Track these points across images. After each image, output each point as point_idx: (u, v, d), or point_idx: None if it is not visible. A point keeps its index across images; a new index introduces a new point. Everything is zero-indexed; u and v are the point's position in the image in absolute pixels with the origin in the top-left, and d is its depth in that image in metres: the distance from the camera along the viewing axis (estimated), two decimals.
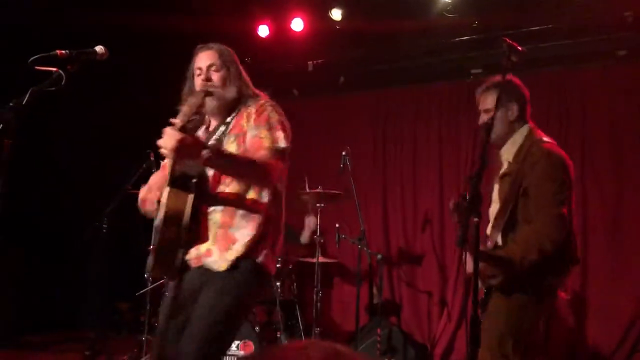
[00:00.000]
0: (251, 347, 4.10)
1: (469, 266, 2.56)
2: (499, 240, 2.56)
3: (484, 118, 2.67)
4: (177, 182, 2.08)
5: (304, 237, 5.12)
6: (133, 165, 4.69)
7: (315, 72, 5.96)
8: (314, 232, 4.69)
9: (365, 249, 4.55)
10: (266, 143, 2.16)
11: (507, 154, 2.63)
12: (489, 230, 2.63)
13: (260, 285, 2.28)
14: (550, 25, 4.92)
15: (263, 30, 5.67)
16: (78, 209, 5.68)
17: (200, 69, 2.31)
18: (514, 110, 2.62)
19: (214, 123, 2.35)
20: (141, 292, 4.60)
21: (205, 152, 1.96)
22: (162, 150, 1.95)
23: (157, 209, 2.15)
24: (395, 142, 5.84)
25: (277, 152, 2.18)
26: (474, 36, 5.21)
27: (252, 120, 2.22)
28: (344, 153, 4.60)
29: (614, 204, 4.79)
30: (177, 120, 1.96)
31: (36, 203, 5.59)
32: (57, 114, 5.13)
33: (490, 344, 2.42)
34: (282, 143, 2.20)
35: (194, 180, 2.11)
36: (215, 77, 2.28)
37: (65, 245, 5.85)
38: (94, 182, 5.80)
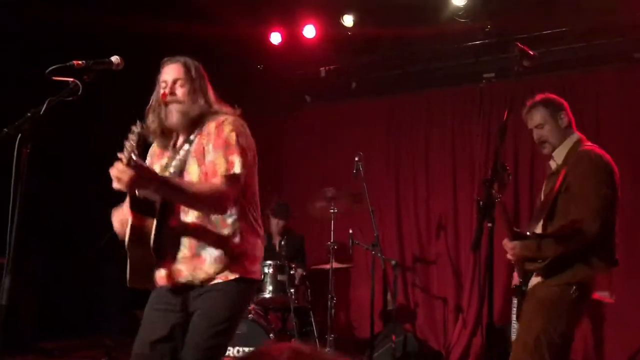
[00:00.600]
0: None
1: (516, 279, 2.70)
2: (539, 231, 2.64)
3: (537, 134, 2.79)
4: (141, 206, 2.12)
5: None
6: None
7: (327, 78, 5.99)
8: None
9: (379, 254, 4.54)
10: (221, 170, 2.13)
11: (558, 157, 2.75)
12: (530, 222, 2.77)
13: (248, 294, 2.30)
14: (564, 29, 4.89)
15: (275, 38, 5.70)
16: (95, 215, 5.73)
17: (165, 82, 2.26)
18: (563, 118, 2.75)
19: (181, 137, 2.31)
20: None
21: (152, 185, 2.00)
22: (115, 185, 1.99)
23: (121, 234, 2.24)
24: (408, 147, 5.83)
25: (232, 179, 2.14)
26: (486, 40, 5.20)
27: (211, 141, 2.17)
28: (356, 159, 4.60)
29: (631, 209, 4.72)
30: (123, 156, 1.96)
31: (54, 209, 5.66)
32: (74, 120, 5.19)
33: (526, 343, 2.48)
34: (237, 169, 2.14)
35: (157, 204, 2.14)
36: (180, 92, 2.24)
37: (83, 252, 5.91)
38: (111, 188, 5.84)
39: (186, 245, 2.18)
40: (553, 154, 2.78)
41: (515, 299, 2.70)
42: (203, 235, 2.17)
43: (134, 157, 1.93)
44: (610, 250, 2.59)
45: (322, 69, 5.95)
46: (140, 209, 2.12)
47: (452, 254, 5.43)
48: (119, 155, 1.96)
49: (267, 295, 4.46)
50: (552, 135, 2.74)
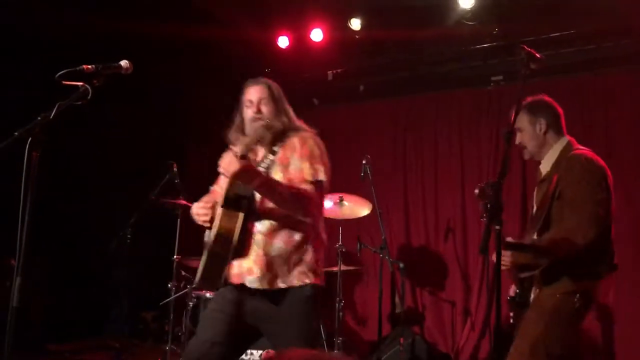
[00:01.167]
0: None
1: (512, 291, 2.67)
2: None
3: (517, 138, 2.77)
4: (230, 203, 2.30)
5: None
6: (156, 176, 4.76)
7: (335, 82, 5.99)
8: None
9: (387, 257, 4.53)
10: (307, 176, 2.35)
11: (546, 165, 2.71)
12: (525, 232, 2.72)
13: (317, 300, 2.41)
14: (572, 31, 4.87)
15: (283, 41, 5.72)
16: (103, 219, 5.77)
17: (251, 101, 2.48)
18: (542, 125, 2.69)
19: (260, 151, 2.49)
20: (165, 301, 4.65)
21: (258, 179, 2.19)
22: (222, 171, 2.20)
23: (210, 226, 2.37)
24: (416, 150, 5.83)
25: (317, 185, 2.37)
26: (494, 43, 5.18)
27: (296, 152, 2.40)
28: (364, 162, 4.60)
29: None
30: (238, 149, 2.23)
31: (63, 213, 5.70)
32: (82, 126, 5.23)
33: (522, 351, 2.43)
34: (320, 176, 2.38)
35: (245, 202, 2.31)
36: (265, 109, 2.46)
37: (91, 255, 5.94)
38: (119, 192, 5.89)
39: (261, 246, 2.32)
40: (542, 160, 2.74)
41: (512, 312, 2.66)
42: (279, 238, 2.33)
43: (248, 153, 2.21)
44: (610, 255, 2.55)
45: (329, 72, 5.96)
46: (231, 206, 2.29)
47: (461, 256, 5.41)
48: (233, 148, 2.24)
49: None
50: (528, 141, 2.71)
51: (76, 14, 4.74)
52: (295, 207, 2.30)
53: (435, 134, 5.73)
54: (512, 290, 2.68)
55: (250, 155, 2.48)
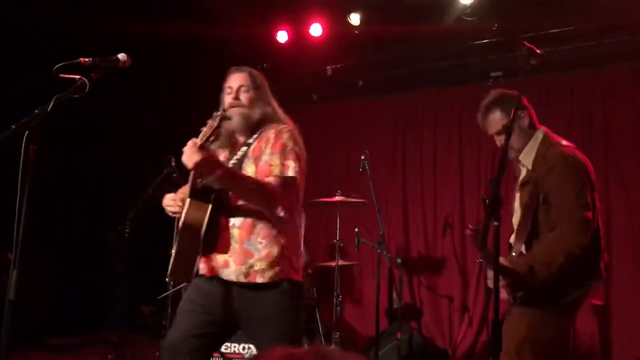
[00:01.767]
0: None
1: (491, 282, 2.54)
2: (523, 251, 2.50)
3: (499, 141, 2.58)
4: (198, 194, 2.24)
5: None
6: (155, 170, 4.75)
7: (334, 77, 5.98)
8: None
9: (385, 253, 4.54)
10: (275, 171, 2.27)
11: (526, 160, 2.56)
12: (512, 240, 2.58)
13: (297, 294, 2.36)
14: (572, 27, 4.86)
15: (282, 36, 5.71)
16: (101, 213, 5.77)
17: (230, 87, 2.44)
18: (524, 118, 2.56)
19: (240, 140, 2.46)
20: (162, 295, 4.65)
21: (218, 171, 2.13)
22: (184, 160, 2.12)
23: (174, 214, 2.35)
24: (414, 146, 5.82)
25: (284, 181, 2.28)
26: (494, 39, 5.18)
27: (269, 145, 2.33)
28: (363, 157, 4.60)
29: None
30: (197, 140, 2.12)
31: (60, 207, 5.69)
32: (81, 120, 5.22)
33: (508, 350, 2.38)
34: (290, 172, 2.29)
35: (214, 194, 2.25)
36: (244, 97, 2.41)
37: (89, 249, 5.94)
38: (117, 186, 5.88)
39: (236, 239, 2.27)
40: (520, 159, 2.57)
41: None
42: (253, 231, 2.27)
43: (208, 141, 2.11)
44: (600, 257, 2.45)
45: (328, 67, 5.94)
46: (198, 197, 2.24)
47: (458, 252, 5.42)
48: (193, 139, 2.14)
49: None
50: (515, 140, 2.48)
51: (74, 11, 4.72)
52: (259, 201, 2.25)
53: (434, 130, 5.73)
54: (506, 298, 2.51)
55: (222, 147, 2.43)
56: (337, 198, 4.62)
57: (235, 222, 2.28)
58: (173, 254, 2.28)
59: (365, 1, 5.34)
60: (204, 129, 2.17)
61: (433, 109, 5.77)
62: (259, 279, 2.25)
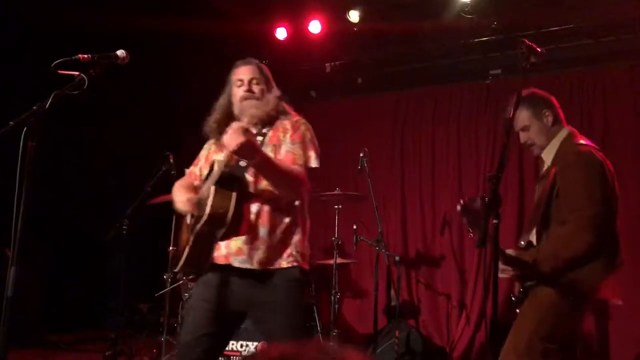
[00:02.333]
0: None
1: (502, 274, 2.55)
2: (533, 240, 2.56)
3: (523, 137, 2.69)
4: (223, 182, 2.24)
5: None
6: (153, 167, 4.74)
7: (332, 74, 5.98)
8: None
9: (383, 250, 4.54)
10: (299, 161, 2.33)
11: (547, 157, 2.64)
12: (524, 230, 2.64)
13: (305, 281, 2.40)
14: (572, 25, 4.85)
15: (281, 33, 5.69)
16: (100, 210, 5.76)
17: (241, 80, 2.45)
18: (548, 117, 2.64)
19: (252, 131, 2.44)
20: (160, 293, 4.64)
21: (258, 155, 2.14)
22: (225, 144, 2.10)
23: (193, 209, 2.32)
24: (413, 144, 5.82)
25: (308, 171, 2.34)
26: (493, 37, 5.17)
27: (288, 135, 2.37)
28: (361, 154, 4.59)
29: (638, 207, 4.71)
30: (243, 124, 2.14)
31: (59, 204, 5.68)
32: (80, 117, 5.20)
33: (517, 346, 2.39)
34: (312, 163, 2.36)
35: (238, 181, 2.26)
36: (256, 89, 2.44)
37: (87, 246, 5.94)
38: (116, 183, 5.87)
39: (252, 227, 2.29)
40: (542, 155, 2.66)
41: (518, 310, 2.58)
42: (268, 220, 2.30)
43: (252, 129, 2.13)
44: (614, 253, 2.49)
45: (327, 64, 5.94)
46: (224, 185, 2.23)
47: (457, 250, 5.42)
48: (237, 123, 2.15)
49: None
50: (538, 136, 2.61)
51: (73, 7, 4.70)
52: (289, 187, 2.28)
53: (433, 127, 5.72)
54: (516, 289, 2.59)
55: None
56: (336, 195, 4.61)
57: (252, 209, 2.31)
58: (189, 245, 2.28)
59: None
60: (249, 116, 2.24)
61: (432, 107, 5.77)
62: (270, 266, 2.28)
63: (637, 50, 4.85)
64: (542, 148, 2.64)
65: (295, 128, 2.38)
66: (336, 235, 4.62)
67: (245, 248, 2.28)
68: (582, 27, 4.85)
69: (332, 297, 4.48)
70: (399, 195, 5.78)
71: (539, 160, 2.74)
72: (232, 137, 2.07)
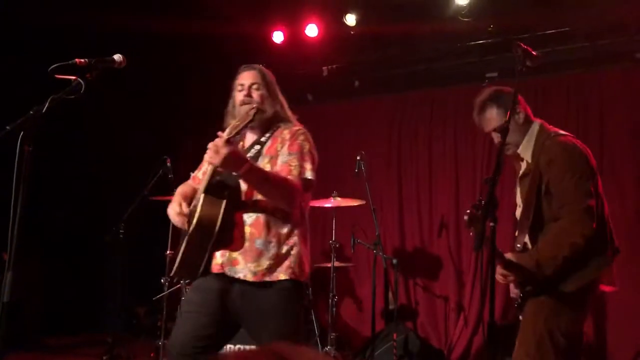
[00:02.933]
0: None
1: (513, 292, 2.56)
2: (528, 242, 2.53)
3: (497, 137, 2.61)
4: (213, 189, 2.23)
5: None
6: (150, 170, 4.74)
7: (329, 77, 5.98)
8: None
9: (380, 253, 4.54)
10: (295, 172, 2.31)
11: (525, 153, 2.58)
12: (517, 233, 2.59)
13: (301, 296, 2.37)
14: (567, 28, 4.87)
15: (278, 36, 5.70)
16: (97, 214, 5.75)
17: (242, 85, 2.46)
18: (520, 114, 2.58)
19: (249, 138, 2.46)
20: (158, 296, 4.64)
21: (244, 166, 2.12)
22: (209, 158, 2.10)
23: (182, 224, 2.30)
24: (410, 146, 5.83)
25: (304, 183, 2.32)
26: (489, 40, 5.18)
27: (285, 146, 2.35)
28: (358, 157, 4.60)
29: (634, 207, 4.72)
30: (225, 134, 2.12)
31: (56, 208, 5.68)
32: (77, 121, 5.20)
33: (528, 350, 2.38)
34: (308, 174, 2.33)
35: (229, 190, 2.25)
36: (255, 94, 2.43)
37: (85, 250, 5.93)
38: (113, 187, 5.87)
39: (247, 237, 2.27)
40: (519, 152, 2.58)
41: (520, 315, 2.54)
42: (264, 230, 2.27)
43: (238, 135, 2.11)
44: (608, 242, 2.48)
45: (324, 67, 5.94)
46: (213, 192, 2.22)
47: (454, 252, 5.42)
48: (219, 133, 2.13)
49: None
50: (512, 135, 2.49)
51: (73, 8, 4.70)
52: (282, 197, 2.26)
53: (429, 130, 5.73)
54: (516, 293, 2.56)
55: (239, 141, 2.43)
56: (333, 202, 4.61)
57: (247, 220, 2.28)
58: (182, 250, 2.26)
59: (361, 2, 5.35)
60: (234, 122, 2.18)
61: (429, 110, 5.77)
62: (267, 278, 2.25)
63: (633, 53, 4.87)
64: (517, 145, 2.58)
65: (293, 138, 2.37)
66: (334, 239, 4.62)
67: (240, 259, 2.26)
68: (578, 30, 4.86)
69: (330, 300, 4.48)
70: (396, 198, 5.79)
71: (514, 160, 2.67)
72: (213, 150, 2.07)
